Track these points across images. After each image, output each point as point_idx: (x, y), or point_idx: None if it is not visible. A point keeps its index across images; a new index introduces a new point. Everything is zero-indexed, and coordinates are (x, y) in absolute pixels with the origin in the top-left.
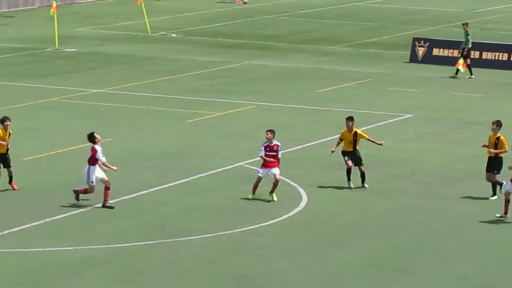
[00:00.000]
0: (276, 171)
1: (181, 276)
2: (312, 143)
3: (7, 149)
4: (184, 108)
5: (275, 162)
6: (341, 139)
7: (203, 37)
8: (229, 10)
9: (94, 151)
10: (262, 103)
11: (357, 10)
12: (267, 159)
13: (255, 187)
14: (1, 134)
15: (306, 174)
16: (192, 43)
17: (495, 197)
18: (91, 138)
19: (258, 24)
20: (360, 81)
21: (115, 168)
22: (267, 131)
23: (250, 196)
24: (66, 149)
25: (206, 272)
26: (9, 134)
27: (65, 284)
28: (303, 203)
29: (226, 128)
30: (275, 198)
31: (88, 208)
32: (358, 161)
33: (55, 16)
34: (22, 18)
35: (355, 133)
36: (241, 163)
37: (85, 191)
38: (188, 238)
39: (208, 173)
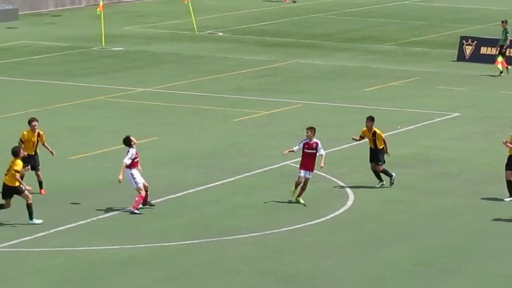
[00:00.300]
0: (310, 175)
1: (227, 275)
2: (358, 142)
3: (36, 151)
4: (231, 107)
5: (312, 162)
6: (361, 137)
7: (250, 35)
8: (276, 8)
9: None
10: (308, 102)
11: (404, 9)
12: (308, 152)
13: (296, 187)
14: (27, 135)
15: (353, 173)
16: (239, 42)
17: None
18: (127, 141)
19: (305, 22)
20: (407, 80)
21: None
22: (307, 129)
23: (291, 194)
24: (112, 148)
25: (252, 271)
26: (39, 134)
27: (112, 283)
28: (349, 202)
29: (272, 127)
30: (302, 201)
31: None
32: (374, 159)
33: (102, 15)
34: (69, 17)
35: (374, 132)
36: (287, 162)
37: (140, 199)
38: (234, 237)
39: (254, 172)
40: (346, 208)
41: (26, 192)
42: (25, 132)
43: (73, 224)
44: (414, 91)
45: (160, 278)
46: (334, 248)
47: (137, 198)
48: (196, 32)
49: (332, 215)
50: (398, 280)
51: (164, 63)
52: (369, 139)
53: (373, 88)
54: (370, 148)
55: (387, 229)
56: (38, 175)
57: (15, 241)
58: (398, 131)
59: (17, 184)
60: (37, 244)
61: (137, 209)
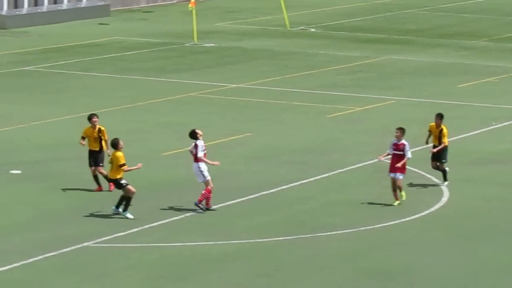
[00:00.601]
0: (401, 176)
1: (322, 272)
2: (453, 138)
3: (101, 147)
4: (324, 103)
5: (399, 165)
6: (430, 131)
7: (342, 31)
8: (368, 4)
9: (196, 147)
10: (402, 98)
11: (498, 4)
12: (395, 153)
13: (394, 190)
14: (88, 131)
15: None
16: (331, 38)
17: None
18: (194, 134)
19: (398, 18)
20: (502, 76)
21: (217, 163)
22: (396, 129)
23: (395, 203)
24: (205, 144)
25: (347, 267)
26: (100, 130)
27: (206, 279)
28: (445, 199)
29: (366, 123)
30: (402, 199)
31: (228, 203)
32: (437, 157)
33: (194, 11)
34: (160, 13)
35: (441, 130)
36: (381, 159)
37: (207, 192)
38: (328, 233)
39: (348, 168)
40: (441, 204)
41: (128, 186)
42: (85, 128)
43: (167, 220)
44: (509, 87)
45: (254, 274)
46: (429, 245)
47: (203, 191)
48: (288, 28)
49: (427, 211)
50: (495, 278)
51: (256, 59)
52: (435, 136)
53: (467, 84)
54: (434, 145)
55: (482, 226)
56: (100, 172)
57: (109, 237)
58: (492, 127)
59: (118, 176)
60: (131, 240)
61: (201, 204)
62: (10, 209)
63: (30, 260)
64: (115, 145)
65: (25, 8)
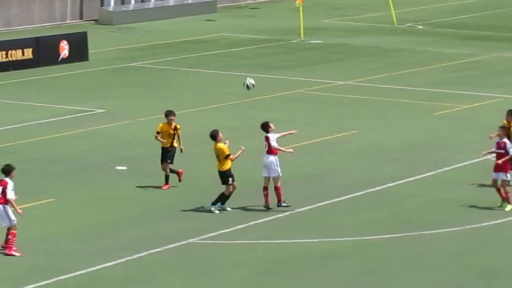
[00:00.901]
0: (502, 176)
1: (427, 270)
2: None
3: (171, 144)
4: (431, 100)
5: (500, 161)
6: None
7: (450, 28)
8: (477, 1)
9: (267, 139)
10: (510, 96)
11: None
12: (498, 152)
13: (498, 190)
14: (163, 127)
15: None
16: (439, 35)
17: None
18: (265, 126)
19: (507, 15)
20: None
21: (291, 150)
22: (499, 128)
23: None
24: (310, 141)
25: (453, 265)
26: (176, 128)
27: (310, 276)
28: None
29: (473, 121)
30: (507, 208)
31: (334, 200)
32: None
33: (301, 7)
34: (267, 9)
35: (510, 127)
36: (488, 157)
37: (278, 190)
38: (434, 231)
39: (455, 166)
40: None
41: (234, 183)
42: (161, 124)
43: (272, 217)
44: None
45: (358, 272)
46: None
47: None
48: (396, 25)
49: None
50: None
51: (363, 56)
52: (505, 134)
53: None
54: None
55: None
56: (165, 169)
57: (214, 233)
58: None
59: (226, 168)
60: (236, 237)
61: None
62: (116, 206)
63: (135, 256)
64: (214, 136)
65: (132, 4)
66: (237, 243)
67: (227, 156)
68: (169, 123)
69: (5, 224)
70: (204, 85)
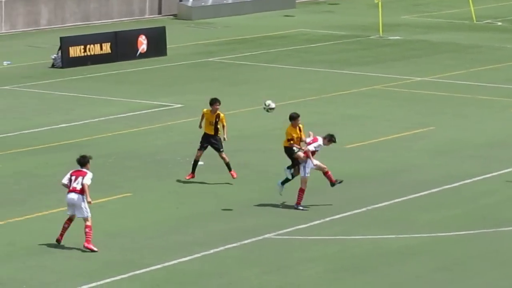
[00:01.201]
0: None
1: (504, 267)
2: None
3: (216, 131)
4: (509, 97)
5: None
6: None
7: None
8: None
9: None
10: None
11: None
12: None
13: None
14: (206, 114)
15: None
16: None
17: None
18: (293, 117)
19: None
20: None
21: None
22: None
23: None
24: (388, 137)
25: None
26: (219, 116)
27: (386, 272)
28: None
29: None
30: None
31: (411, 197)
32: None
33: (380, 3)
34: (346, 5)
35: None
36: None
37: (301, 192)
38: (511, 228)
39: None
40: None
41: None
42: (205, 110)
43: (348, 213)
44: None
45: (435, 268)
46: None
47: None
48: (475, 21)
49: None
50: None
51: (441, 52)
52: None
53: None
54: None
55: None
56: (223, 158)
57: (290, 229)
58: None
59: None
60: (312, 233)
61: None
62: (192, 200)
63: (211, 251)
64: (291, 118)
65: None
66: (313, 239)
67: (289, 140)
68: (213, 111)
69: (79, 215)
70: (282, 80)
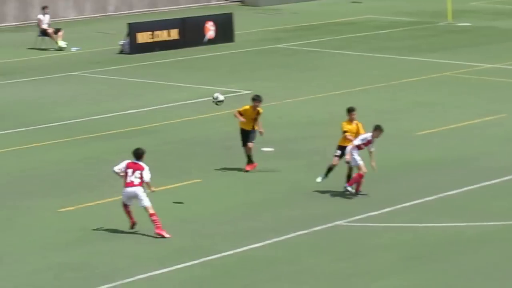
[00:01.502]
0: None
1: None
2: None
3: (254, 127)
4: None
5: None
6: None
7: None
8: None
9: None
10: None
11: None
12: None
13: None
14: (246, 110)
15: None
16: None
17: None
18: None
19: None
20: None
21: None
22: None
23: None
24: (458, 125)
25: None
26: (258, 112)
27: (458, 260)
28: None
29: None
30: None
31: (482, 184)
32: None
33: None
34: None
35: None
36: None
37: (358, 177)
38: None
39: None
40: None
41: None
42: (246, 107)
43: (420, 201)
44: None
45: (507, 256)
46: None
47: (355, 175)
48: None
49: None
50: None
51: (511, 39)
52: None
53: None
54: None
55: None
56: (249, 148)
57: (361, 216)
58: None
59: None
60: (384, 220)
61: (351, 186)
62: (262, 187)
63: (282, 237)
64: (347, 110)
65: None
66: (385, 226)
67: (344, 132)
68: (254, 108)
69: (140, 205)
70: (350, 67)
